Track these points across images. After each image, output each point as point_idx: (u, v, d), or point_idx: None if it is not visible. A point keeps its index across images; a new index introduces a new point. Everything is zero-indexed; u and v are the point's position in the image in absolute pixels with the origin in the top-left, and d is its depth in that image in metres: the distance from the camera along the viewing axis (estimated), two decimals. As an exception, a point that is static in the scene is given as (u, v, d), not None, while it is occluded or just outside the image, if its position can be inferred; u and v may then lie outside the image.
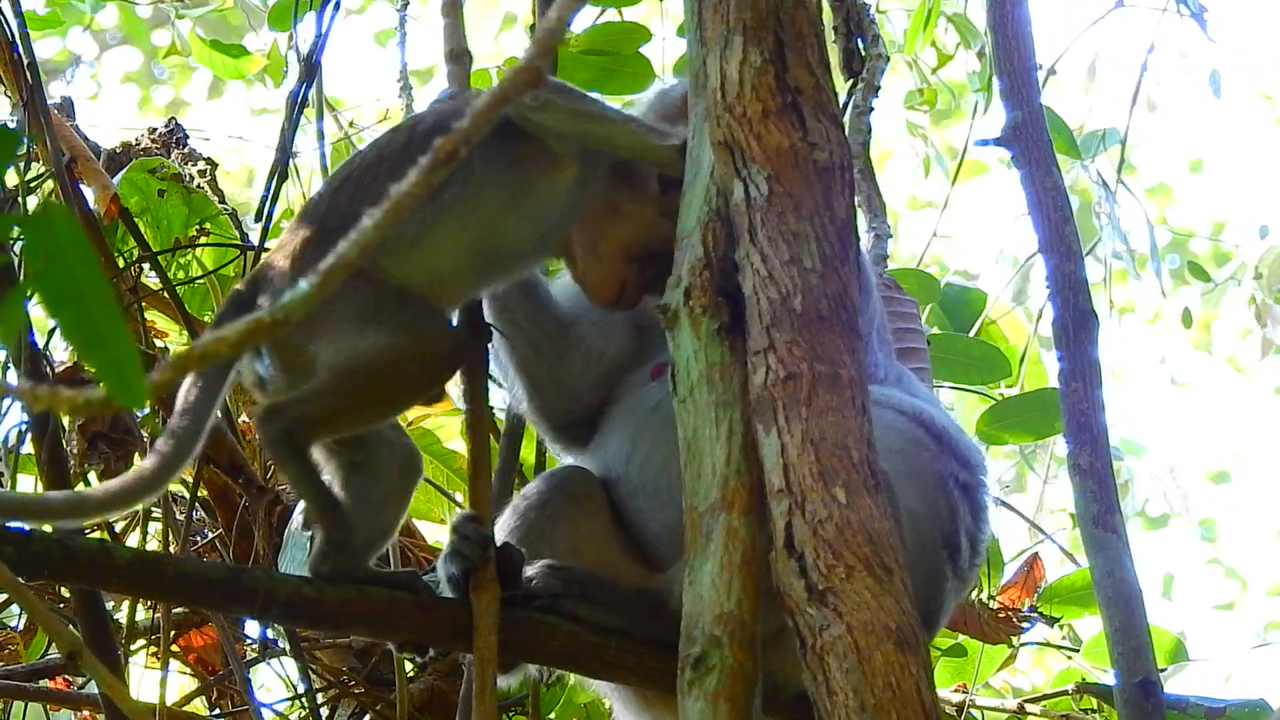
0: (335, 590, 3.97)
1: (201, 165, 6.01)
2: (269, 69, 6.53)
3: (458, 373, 4.20)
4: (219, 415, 4.34)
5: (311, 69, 5.85)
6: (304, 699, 5.45)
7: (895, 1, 7.08)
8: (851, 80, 6.23)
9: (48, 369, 4.92)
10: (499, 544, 4.10)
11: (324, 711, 5.53)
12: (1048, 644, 6.00)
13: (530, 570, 4.19)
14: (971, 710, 5.74)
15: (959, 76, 7.33)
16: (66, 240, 2.37)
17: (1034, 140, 4.69)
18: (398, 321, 3.92)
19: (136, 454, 5.37)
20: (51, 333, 5.21)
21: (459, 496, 5.64)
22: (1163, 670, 5.05)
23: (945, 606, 4.47)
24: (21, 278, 2.41)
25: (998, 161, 8.06)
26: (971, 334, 6.37)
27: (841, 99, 6.16)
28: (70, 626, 5.03)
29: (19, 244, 2.43)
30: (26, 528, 3.76)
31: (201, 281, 5.82)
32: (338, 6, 5.92)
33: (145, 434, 5.43)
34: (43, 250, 2.36)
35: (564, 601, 4.17)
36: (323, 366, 3.88)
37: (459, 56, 4.62)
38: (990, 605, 5.68)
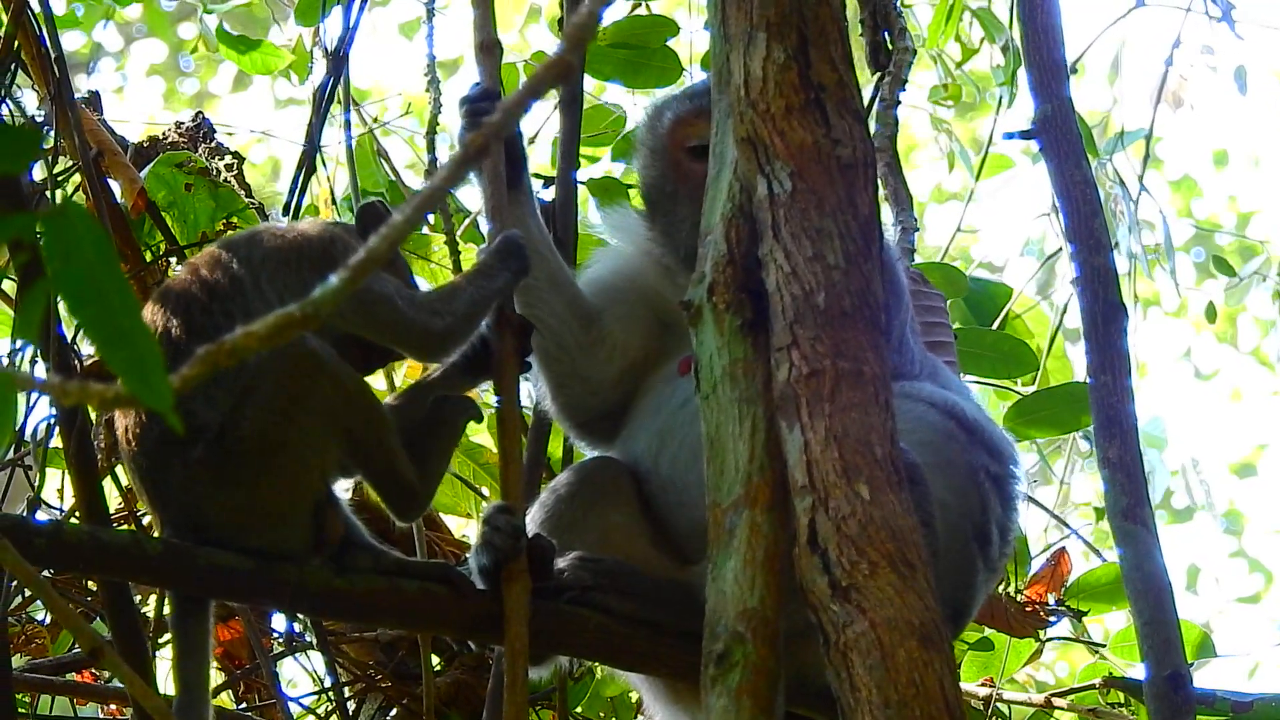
0: (366, 582, 3.98)
1: (228, 159, 6.01)
2: (295, 65, 6.52)
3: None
4: None
5: (339, 62, 5.85)
6: (330, 693, 5.45)
7: (920, -4, 7.05)
8: (879, 74, 6.21)
9: (75, 362, 4.92)
10: (530, 535, 4.11)
11: (350, 705, 5.54)
12: (1075, 639, 5.99)
13: (561, 562, 4.19)
14: (998, 704, 5.73)
15: (985, 68, 7.30)
16: (86, 237, 2.35)
17: (1063, 133, 4.67)
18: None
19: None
20: (79, 326, 5.21)
21: (485, 491, 5.63)
22: (1189, 664, 5.03)
23: (977, 597, 4.47)
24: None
25: (1023, 154, 8.02)
26: (994, 327, 6.34)
27: (868, 92, 6.15)
28: (98, 620, 5.05)
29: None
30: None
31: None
32: (365, 1, 5.93)
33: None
34: (62, 248, 2.34)
35: (595, 594, 4.17)
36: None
37: (490, 48, 4.62)
38: (1017, 599, 5.67)
